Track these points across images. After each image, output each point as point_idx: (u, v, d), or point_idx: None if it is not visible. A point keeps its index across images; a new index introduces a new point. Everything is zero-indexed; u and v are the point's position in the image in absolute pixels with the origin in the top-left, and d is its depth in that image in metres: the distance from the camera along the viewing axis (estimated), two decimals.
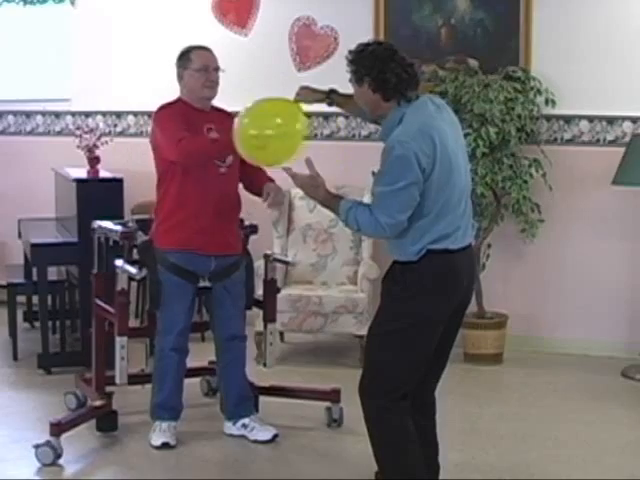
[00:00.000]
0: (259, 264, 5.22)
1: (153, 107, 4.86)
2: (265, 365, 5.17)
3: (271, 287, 5.15)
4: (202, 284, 4.75)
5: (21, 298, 6.65)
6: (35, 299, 6.55)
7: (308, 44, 6.91)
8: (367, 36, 6.44)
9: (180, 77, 4.78)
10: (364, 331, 6.04)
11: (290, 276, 6.49)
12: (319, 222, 6.55)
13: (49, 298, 6.29)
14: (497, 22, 6.47)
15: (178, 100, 4.81)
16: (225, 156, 4.66)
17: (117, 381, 4.75)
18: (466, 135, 5.62)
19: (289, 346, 6.64)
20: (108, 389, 4.98)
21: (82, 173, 6.40)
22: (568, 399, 5.64)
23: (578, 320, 6.48)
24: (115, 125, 7.42)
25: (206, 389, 5.58)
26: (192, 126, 4.66)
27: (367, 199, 5.09)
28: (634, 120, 6.29)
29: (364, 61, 3.67)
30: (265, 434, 4.87)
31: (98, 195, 5.86)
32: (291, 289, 6.30)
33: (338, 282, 6.46)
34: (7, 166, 7.64)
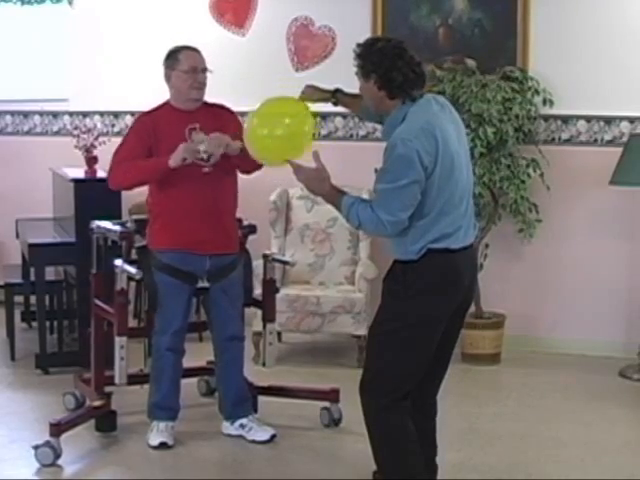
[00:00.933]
0: (257, 264, 5.22)
1: (151, 107, 4.86)
2: (264, 365, 5.17)
3: (270, 287, 5.15)
4: (200, 284, 4.75)
5: (19, 298, 6.63)
6: (33, 299, 6.56)
7: (306, 44, 6.91)
8: (365, 36, 6.43)
9: (168, 78, 4.78)
10: (362, 331, 6.10)
11: (288, 276, 6.49)
12: (317, 222, 6.56)
13: (47, 298, 6.28)
14: (495, 22, 6.47)
15: (165, 104, 4.81)
16: (163, 176, 4.67)
17: (116, 381, 4.74)
18: None
19: (287, 346, 6.64)
20: (107, 389, 4.97)
21: (80, 173, 6.39)
22: (566, 399, 5.65)
23: (576, 320, 6.48)
24: (113, 125, 7.42)
25: (204, 389, 5.58)
26: (169, 132, 4.67)
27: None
28: (631, 120, 6.29)
29: (372, 57, 3.67)
30: (263, 434, 4.87)
31: (96, 195, 5.84)
32: (289, 289, 6.30)
33: (336, 282, 6.46)
34: (5, 166, 7.63)
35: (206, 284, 4.76)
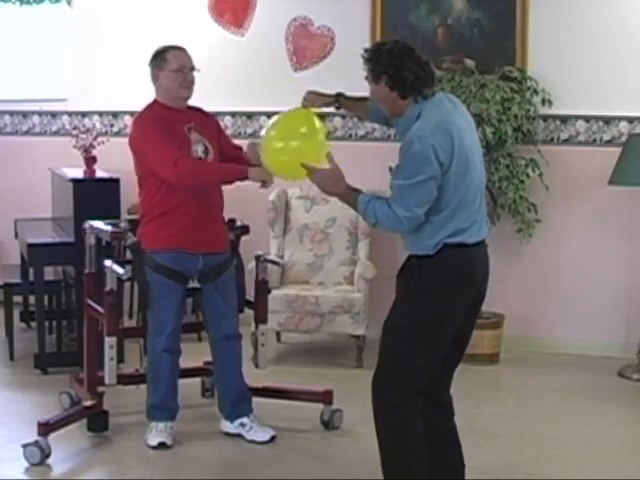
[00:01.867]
0: (253, 265, 5.20)
1: (141, 108, 4.85)
2: (257, 366, 5.16)
3: (262, 288, 5.14)
4: (191, 285, 4.75)
5: (17, 298, 6.62)
6: (32, 299, 6.55)
7: (305, 44, 6.91)
8: (364, 36, 6.49)
9: (155, 78, 4.78)
10: (361, 331, 6.10)
11: (287, 276, 6.49)
12: (316, 222, 6.55)
13: (45, 298, 6.29)
14: (494, 22, 6.48)
15: (154, 102, 4.81)
16: (228, 183, 4.70)
17: (106, 381, 4.74)
18: None
19: (285, 346, 6.64)
20: (100, 389, 4.96)
21: (79, 173, 6.40)
22: (565, 399, 5.65)
23: (575, 320, 6.48)
24: (112, 125, 7.42)
25: (200, 389, 5.57)
26: (174, 129, 4.67)
27: None
28: (630, 120, 6.29)
29: (381, 59, 3.68)
30: (263, 435, 4.87)
31: (95, 195, 5.85)
32: (288, 289, 6.29)
33: (335, 282, 6.46)
34: (4, 166, 7.63)
35: (197, 284, 4.76)
